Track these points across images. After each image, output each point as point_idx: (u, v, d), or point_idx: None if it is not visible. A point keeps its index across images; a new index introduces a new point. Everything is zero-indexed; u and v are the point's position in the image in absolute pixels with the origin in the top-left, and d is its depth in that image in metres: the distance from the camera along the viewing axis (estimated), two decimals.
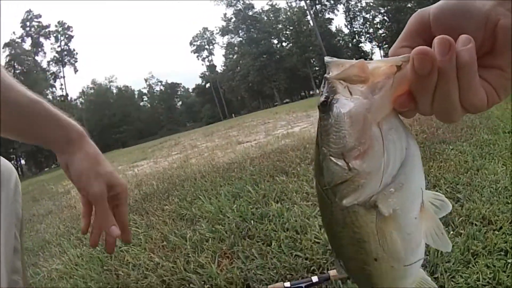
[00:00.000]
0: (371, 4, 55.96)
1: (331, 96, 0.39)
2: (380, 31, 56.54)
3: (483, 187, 2.07)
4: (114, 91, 71.93)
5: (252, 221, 2.27)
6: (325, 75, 0.40)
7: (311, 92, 60.99)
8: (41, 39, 55.93)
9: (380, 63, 0.38)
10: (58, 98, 56.67)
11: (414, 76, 0.35)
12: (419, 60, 0.34)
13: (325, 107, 0.39)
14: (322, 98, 0.39)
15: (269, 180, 3.13)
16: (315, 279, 1.44)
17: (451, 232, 1.65)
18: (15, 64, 48.19)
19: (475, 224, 1.68)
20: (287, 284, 1.44)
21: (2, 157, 0.85)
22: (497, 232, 1.58)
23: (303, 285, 1.42)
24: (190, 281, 1.78)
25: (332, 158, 0.39)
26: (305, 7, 57.11)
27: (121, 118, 65.75)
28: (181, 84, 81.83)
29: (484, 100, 0.37)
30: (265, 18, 61.17)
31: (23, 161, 49.49)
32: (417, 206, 0.41)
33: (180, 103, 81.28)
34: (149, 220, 2.92)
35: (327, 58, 0.40)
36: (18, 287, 0.72)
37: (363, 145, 0.37)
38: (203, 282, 1.75)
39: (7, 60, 48.34)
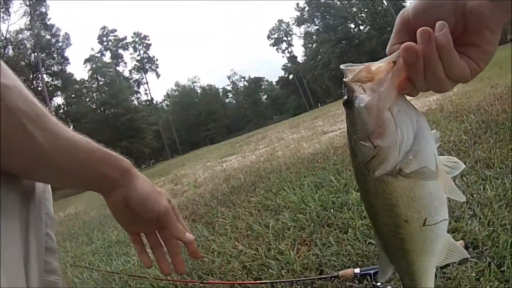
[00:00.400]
0: None
1: (350, 95, 0.50)
2: None
3: None
4: (198, 91, 74.93)
5: (332, 210, 2.36)
6: (343, 79, 0.50)
7: None
8: (120, 51, 60.12)
9: (380, 63, 0.49)
10: (144, 103, 60.36)
11: (406, 65, 0.46)
12: (406, 53, 0.45)
13: (348, 104, 0.50)
14: (345, 98, 0.50)
15: (351, 169, 3.14)
16: None
17: None
18: (97, 76, 52.19)
19: None
20: (357, 270, 1.54)
21: None
22: None
23: (371, 271, 1.51)
24: (269, 266, 1.93)
25: (361, 142, 0.50)
26: None
27: (207, 116, 68.35)
28: (264, 78, 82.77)
29: (467, 71, 0.47)
30: (338, 3, 59.18)
31: None
32: (433, 168, 0.49)
33: (265, 96, 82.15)
34: (236, 211, 3.12)
35: (342, 66, 0.50)
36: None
37: (381, 127, 0.48)
38: (281, 268, 1.89)
39: (89, 74, 52.59)
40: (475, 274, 1.37)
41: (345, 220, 2.16)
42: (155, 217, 0.70)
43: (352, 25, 58.47)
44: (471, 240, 1.56)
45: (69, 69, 50.76)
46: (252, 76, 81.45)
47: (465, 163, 2.37)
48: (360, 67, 0.49)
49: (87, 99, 51.51)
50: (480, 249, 1.51)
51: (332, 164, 3.60)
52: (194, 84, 75.60)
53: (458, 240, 1.55)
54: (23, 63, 41.20)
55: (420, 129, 0.49)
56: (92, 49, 58.25)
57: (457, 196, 0.53)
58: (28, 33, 42.47)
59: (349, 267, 1.64)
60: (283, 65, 75.29)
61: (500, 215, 1.69)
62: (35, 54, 43.27)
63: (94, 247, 3.87)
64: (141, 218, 0.72)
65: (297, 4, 62.77)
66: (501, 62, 9.08)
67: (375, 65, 0.49)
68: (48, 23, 45.28)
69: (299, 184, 3.25)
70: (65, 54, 48.11)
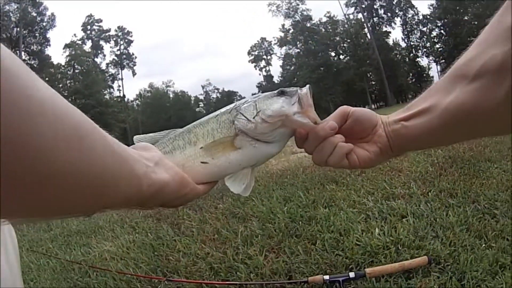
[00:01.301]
0: (428, 17, 54.04)
1: (284, 92, 0.66)
2: (437, 45, 54.31)
3: None
4: (171, 95, 74.18)
5: (300, 222, 2.42)
6: (306, 87, 0.66)
7: (366, 107, 59.55)
8: (101, 42, 58.37)
9: (313, 115, 0.64)
10: (115, 99, 58.85)
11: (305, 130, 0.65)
12: (308, 131, 0.64)
13: (279, 93, 0.66)
14: (282, 90, 0.67)
15: (319, 188, 3.25)
16: (352, 275, 1.60)
17: (483, 245, 1.73)
18: (74, 64, 50.45)
19: (507, 239, 1.75)
20: (326, 277, 1.61)
21: None
22: None
23: (340, 279, 1.58)
24: (238, 269, 1.96)
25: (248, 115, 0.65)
26: (363, 20, 56.29)
27: (176, 122, 67.43)
28: (237, 92, 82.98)
29: (344, 165, 0.65)
30: (323, 30, 60.51)
31: None
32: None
33: None
34: (203, 215, 3.12)
35: (307, 88, 0.66)
36: None
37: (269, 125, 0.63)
38: (249, 271, 1.92)
39: (67, 60, 50.57)
40: (437, 286, 1.48)
41: (313, 233, 2.23)
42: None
43: (333, 53, 59.75)
44: (434, 257, 1.67)
45: (48, 51, 48.92)
46: (226, 89, 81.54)
47: (430, 192, 2.53)
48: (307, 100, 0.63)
49: (60, 85, 49.20)
50: (442, 265, 1.64)
51: (301, 181, 3.68)
52: (168, 88, 74.75)
53: (422, 256, 1.65)
54: (4, 35, 39.39)
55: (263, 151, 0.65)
56: (75, 35, 55.35)
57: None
58: (16, 6, 40.84)
59: (317, 275, 1.69)
60: (258, 83, 76.00)
61: (461, 237, 1.83)
62: (18, 29, 41.49)
63: (53, 234, 3.75)
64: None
65: (283, 25, 63.72)
66: None
67: (313, 115, 0.64)
68: (37, 0, 43.65)
69: (268, 196, 3.29)
70: (47, 35, 46.47)
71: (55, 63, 49.76)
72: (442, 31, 52.89)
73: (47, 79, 46.81)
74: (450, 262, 1.64)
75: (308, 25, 60.33)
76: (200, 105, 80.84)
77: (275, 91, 0.66)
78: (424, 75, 60.70)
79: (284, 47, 65.06)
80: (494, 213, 2.07)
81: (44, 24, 45.45)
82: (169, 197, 0.57)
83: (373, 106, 59.32)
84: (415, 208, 2.31)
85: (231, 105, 0.69)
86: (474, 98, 0.52)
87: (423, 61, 59.32)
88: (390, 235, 1.97)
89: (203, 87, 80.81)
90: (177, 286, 1.95)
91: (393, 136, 0.64)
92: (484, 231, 1.85)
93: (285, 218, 2.56)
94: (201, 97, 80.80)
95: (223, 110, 0.69)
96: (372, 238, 1.96)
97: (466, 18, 49.06)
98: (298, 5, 60.76)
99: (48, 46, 47.33)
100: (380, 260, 1.76)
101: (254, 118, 0.63)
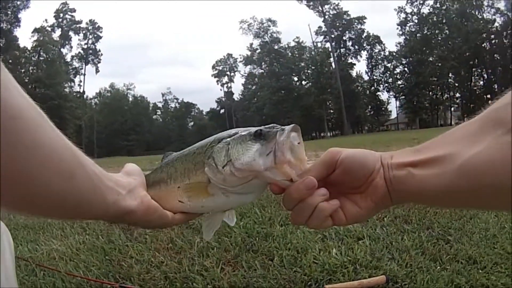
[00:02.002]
0: (394, 54, 56.89)
1: (263, 134, 0.59)
2: (399, 82, 57.14)
3: (473, 232, 2.24)
4: (130, 99, 72.94)
5: (257, 238, 2.40)
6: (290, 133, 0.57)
7: (322, 134, 61.04)
8: (71, 33, 56.80)
9: (288, 171, 0.55)
10: (75, 94, 57.12)
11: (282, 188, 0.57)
12: (289, 189, 0.55)
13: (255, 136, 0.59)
14: (260, 131, 0.60)
15: (275, 206, 3.26)
16: None
17: (438, 267, 1.80)
18: (40, 50, 48.75)
19: (461, 262, 1.84)
20: None
21: None
22: (480, 271, 1.73)
23: None
24: (194, 280, 1.90)
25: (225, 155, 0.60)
26: (330, 49, 58.29)
27: (132, 126, 66.53)
28: (196, 105, 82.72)
29: (327, 226, 0.56)
30: (290, 54, 62.00)
31: None
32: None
33: (192, 123, 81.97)
34: None
35: (295, 131, 0.57)
36: None
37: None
38: (206, 283, 1.88)
39: (33, 45, 48.80)
40: None
41: (271, 249, 2.21)
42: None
43: (296, 78, 61.11)
44: (391, 277, 1.72)
45: (16, 32, 46.54)
46: (185, 100, 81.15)
47: (385, 217, 2.60)
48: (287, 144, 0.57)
49: (23, 70, 47.33)
50: (400, 284, 1.69)
51: (256, 199, 3.67)
52: (129, 91, 73.47)
53: (380, 275, 1.68)
54: None
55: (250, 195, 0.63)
56: (46, 20, 53.27)
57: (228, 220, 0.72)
58: None
59: None
60: (218, 98, 76.18)
61: (417, 259, 1.90)
62: None
63: None
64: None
65: (251, 44, 64.65)
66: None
67: (288, 171, 0.55)
68: None
69: None
70: (19, 15, 44.31)
71: (21, 46, 47.70)
72: (406, 68, 55.93)
73: (10, 61, 44.71)
74: (407, 282, 1.69)
75: (276, 47, 61.76)
76: (158, 113, 79.97)
77: (253, 131, 0.59)
78: (383, 108, 63.58)
79: (248, 66, 66.13)
80: (448, 239, 2.16)
81: (18, 3, 43.55)
82: (135, 221, 0.64)
83: (328, 134, 61.03)
84: (371, 231, 2.36)
85: (210, 139, 0.66)
86: (509, 153, 0.39)
87: (383, 95, 62.31)
88: (347, 255, 2.00)
89: (163, 94, 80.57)
90: None
91: (395, 183, 0.52)
92: (439, 255, 1.93)
93: (241, 232, 2.53)
94: (160, 105, 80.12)
95: (201, 145, 0.67)
96: (330, 257, 1.97)
97: (431, 59, 52.19)
98: (269, 26, 62.21)
99: (18, 27, 45.54)
100: (339, 278, 1.78)
101: (224, 167, 0.58)
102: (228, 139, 0.61)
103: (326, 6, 58.19)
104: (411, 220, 2.53)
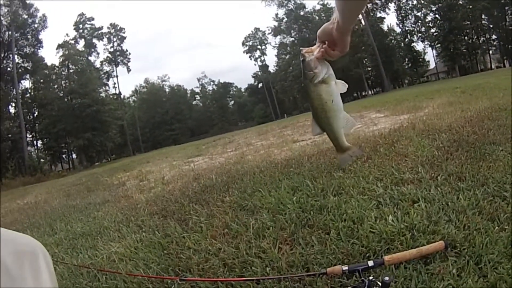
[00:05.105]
0: (422, 2, 53.80)
1: (304, 57, 1.10)
2: (432, 30, 54.18)
3: None
4: (167, 90, 74.58)
5: (311, 212, 2.40)
6: (301, 52, 1.12)
7: (363, 93, 59.46)
8: (94, 41, 58.40)
9: (315, 47, 1.09)
10: (111, 96, 58.70)
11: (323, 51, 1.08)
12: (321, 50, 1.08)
13: (303, 60, 1.10)
14: (302, 59, 1.11)
15: (326, 176, 3.22)
16: (370, 263, 1.60)
17: (496, 228, 1.73)
18: (68, 63, 50.09)
19: None
20: (345, 267, 1.60)
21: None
22: None
23: (359, 268, 1.58)
24: (252, 264, 1.93)
25: (308, 71, 1.10)
26: None
27: (173, 116, 67.97)
28: (233, 83, 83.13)
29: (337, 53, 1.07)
30: (317, 18, 60.27)
31: (74, 155, 51.70)
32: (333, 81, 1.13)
33: (232, 102, 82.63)
34: (210, 209, 3.08)
35: (301, 48, 1.13)
36: None
37: (316, 65, 1.09)
38: (265, 265, 1.90)
39: (61, 60, 50.33)
40: (456, 271, 1.49)
41: (326, 222, 2.21)
42: None
43: None
44: (450, 242, 1.68)
45: (41, 52, 48.32)
46: (222, 81, 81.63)
47: (438, 176, 2.53)
48: (307, 49, 1.11)
49: (55, 86, 49.33)
50: (459, 249, 1.65)
51: (307, 170, 3.65)
52: (164, 82, 75.08)
53: (438, 241, 1.66)
54: None
55: (329, 68, 1.10)
56: (67, 35, 55.03)
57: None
58: (6, 10, 40.29)
59: (335, 265, 1.69)
60: (254, 73, 75.87)
61: (474, 220, 1.83)
62: (9, 32, 40.89)
63: (58, 238, 3.65)
64: None
65: (276, 15, 63.39)
66: (471, 90, 9.80)
67: (313, 48, 1.09)
68: (27, 1, 43.09)
69: (275, 186, 3.26)
70: (40, 37, 45.86)
71: (49, 64, 49.39)
72: (436, 15, 52.72)
73: (41, 81, 47.08)
74: (466, 246, 1.64)
75: (302, 13, 60.10)
76: (197, 98, 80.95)
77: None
78: (420, 59, 60.72)
79: (278, 36, 65.01)
80: (504, 195, 2.07)
81: (36, 25, 45.03)
82: None
83: (370, 92, 59.26)
84: (426, 192, 2.31)
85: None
86: None
87: (419, 46, 59.47)
88: (403, 221, 1.97)
89: (198, 79, 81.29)
90: (191, 286, 1.90)
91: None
92: (496, 214, 1.85)
93: (295, 208, 2.54)
94: (197, 90, 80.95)
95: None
96: (387, 225, 1.96)
97: (460, 2, 48.86)
98: None
99: (41, 48, 47.05)
100: (397, 247, 1.76)
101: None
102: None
103: None
104: (465, 177, 2.44)
